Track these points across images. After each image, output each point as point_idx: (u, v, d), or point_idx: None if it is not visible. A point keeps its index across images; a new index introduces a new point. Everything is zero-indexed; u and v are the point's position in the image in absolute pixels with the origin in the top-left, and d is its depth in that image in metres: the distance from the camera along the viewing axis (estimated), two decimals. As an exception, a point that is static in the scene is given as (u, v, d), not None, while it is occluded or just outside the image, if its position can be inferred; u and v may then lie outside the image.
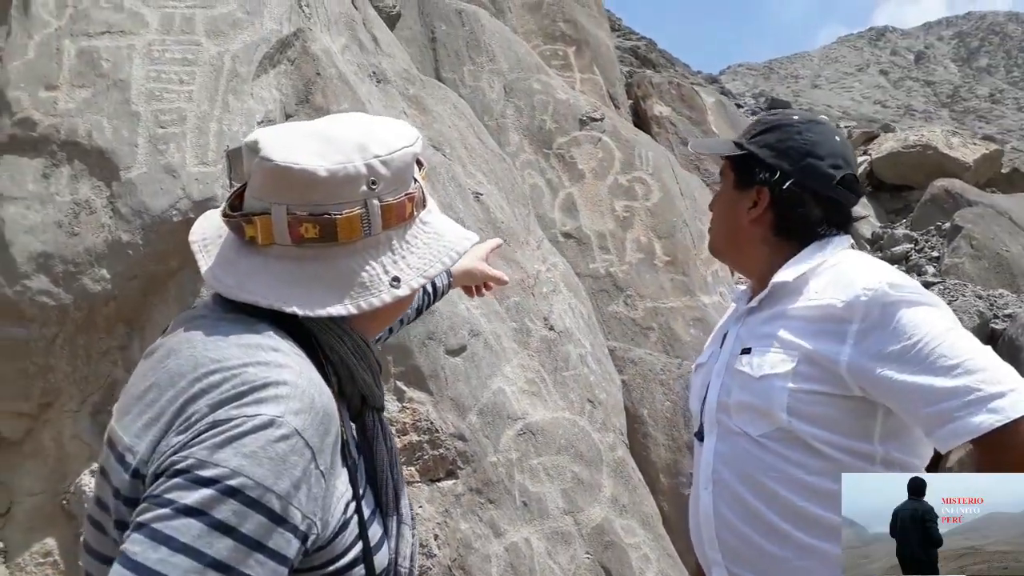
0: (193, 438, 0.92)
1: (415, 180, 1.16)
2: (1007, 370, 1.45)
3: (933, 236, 9.34)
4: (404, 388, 3.37)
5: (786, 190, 1.74)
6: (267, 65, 3.74)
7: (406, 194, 1.12)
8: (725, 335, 1.84)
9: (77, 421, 3.43)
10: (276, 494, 0.90)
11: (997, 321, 7.01)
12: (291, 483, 0.91)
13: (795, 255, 1.74)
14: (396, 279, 1.10)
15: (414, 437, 3.29)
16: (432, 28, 5.56)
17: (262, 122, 3.59)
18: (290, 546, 0.92)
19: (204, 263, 1.14)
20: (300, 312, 1.06)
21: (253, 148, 1.08)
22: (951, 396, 1.41)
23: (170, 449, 0.93)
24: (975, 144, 11.30)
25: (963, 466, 4.86)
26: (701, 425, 1.79)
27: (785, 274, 1.70)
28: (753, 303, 1.78)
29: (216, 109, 3.53)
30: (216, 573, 0.85)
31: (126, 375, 3.43)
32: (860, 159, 12.15)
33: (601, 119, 5.28)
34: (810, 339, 1.58)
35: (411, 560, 1.17)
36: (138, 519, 0.88)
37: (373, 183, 1.08)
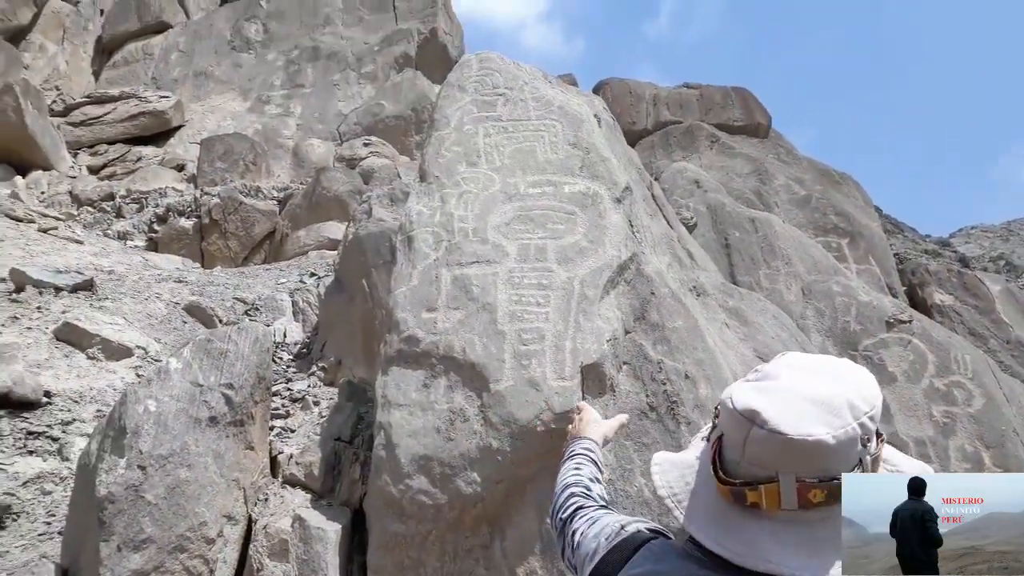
0: None
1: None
2: None
3: None
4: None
5: None
6: (609, 287, 4.13)
7: (882, 440, 1.19)
8: None
9: (441, 616, 3.71)
10: None
11: None
12: None
13: None
14: None
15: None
16: (725, 235, 5.88)
17: (610, 340, 3.94)
18: None
19: (690, 522, 1.24)
20: None
21: (751, 418, 1.14)
22: None
23: None
24: None
25: None
26: None
27: None
28: None
29: (569, 328, 3.93)
30: None
31: (486, 573, 3.72)
32: None
33: (909, 321, 5.20)
34: None
35: None
36: None
37: (866, 440, 1.15)
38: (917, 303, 8.25)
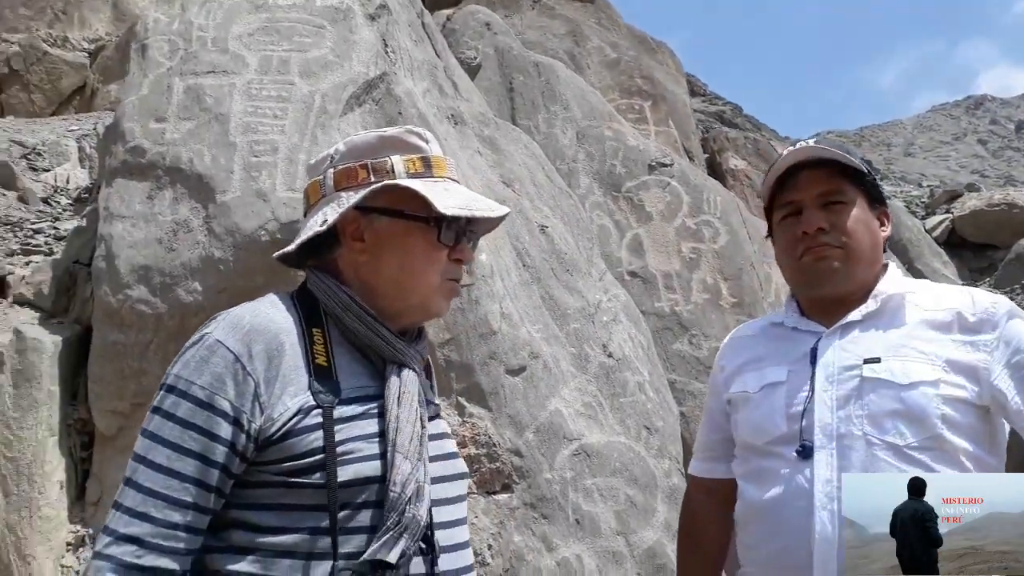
0: None
1: (388, 159, 1.33)
2: None
3: (1019, 295, 9.02)
4: (465, 404, 3.52)
5: (887, 208, 1.81)
6: (353, 104, 4.04)
7: (359, 163, 1.33)
8: (814, 352, 1.68)
9: (164, 422, 3.69)
10: (200, 386, 1.18)
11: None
12: (212, 378, 1.18)
13: (884, 272, 1.76)
14: (325, 220, 1.29)
15: (472, 450, 3.42)
16: (510, 79, 5.87)
17: (346, 153, 3.88)
18: (220, 427, 1.16)
19: None
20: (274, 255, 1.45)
21: None
22: None
23: None
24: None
25: None
26: (803, 443, 1.61)
27: (899, 286, 1.71)
28: (855, 316, 1.68)
29: (305, 142, 3.84)
30: (165, 448, 1.17)
31: (210, 382, 3.71)
32: (942, 217, 11.87)
33: (670, 164, 5.42)
34: (949, 348, 1.57)
35: (403, 487, 1.20)
36: None
37: (332, 158, 1.36)
38: (715, 168, 8.64)
